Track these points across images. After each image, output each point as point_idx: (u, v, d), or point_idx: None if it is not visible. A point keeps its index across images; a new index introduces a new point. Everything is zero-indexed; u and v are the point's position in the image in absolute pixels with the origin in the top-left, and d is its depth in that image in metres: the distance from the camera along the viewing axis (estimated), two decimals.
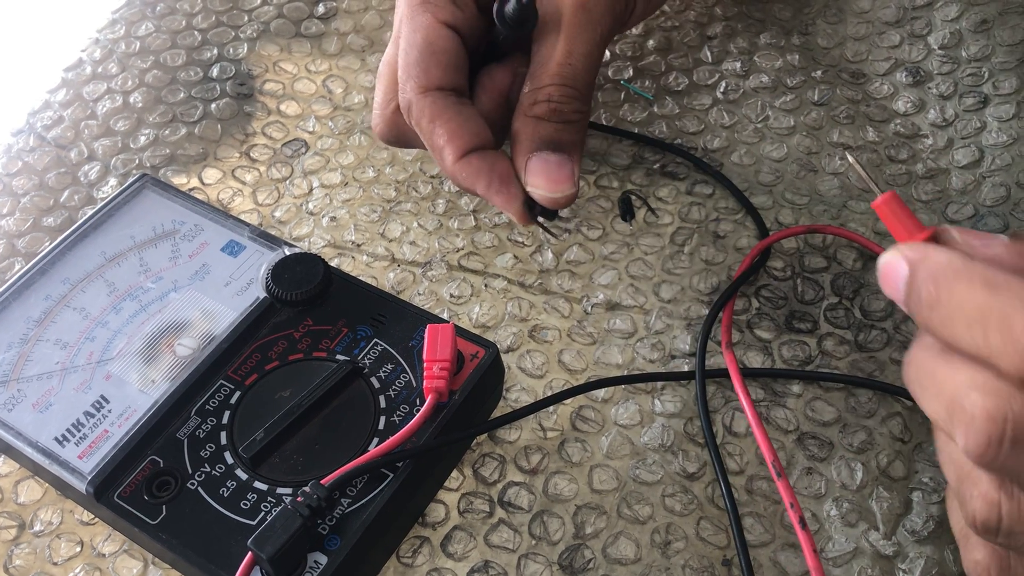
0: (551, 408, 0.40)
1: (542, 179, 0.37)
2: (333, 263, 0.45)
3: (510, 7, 0.37)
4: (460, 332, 0.39)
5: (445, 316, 0.43)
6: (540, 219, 0.38)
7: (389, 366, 0.38)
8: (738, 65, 0.51)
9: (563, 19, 0.39)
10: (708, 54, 0.52)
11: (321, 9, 0.57)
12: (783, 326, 0.42)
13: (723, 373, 0.40)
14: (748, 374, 0.40)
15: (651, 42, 0.53)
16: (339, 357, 0.38)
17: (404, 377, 0.38)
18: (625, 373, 0.41)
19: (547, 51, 0.39)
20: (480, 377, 0.37)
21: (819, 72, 0.51)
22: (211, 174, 0.49)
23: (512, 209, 0.38)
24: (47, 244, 0.45)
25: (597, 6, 0.39)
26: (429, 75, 0.39)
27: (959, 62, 0.49)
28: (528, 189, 0.38)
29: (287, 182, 0.49)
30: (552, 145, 0.38)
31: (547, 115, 0.38)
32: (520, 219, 0.38)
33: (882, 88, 0.50)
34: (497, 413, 0.40)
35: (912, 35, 0.51)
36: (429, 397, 0.36)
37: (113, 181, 0.49)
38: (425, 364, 0.36)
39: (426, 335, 0.37)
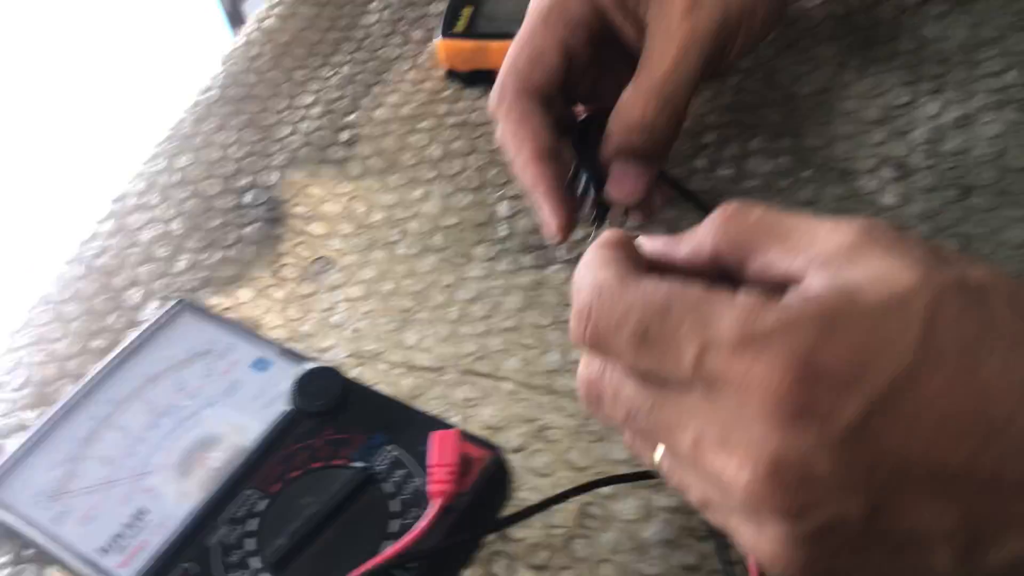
0: (558, 507, 0.42)
1: (617, 187, 0.46)
2: (355, 372, 0.49)
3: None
4: (466, 436, 0.41)
5: (457, 419, 0.46)
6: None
7: (401, 472, 0.41)
8: (732, 172, 0.54)
9: (672, 28, 0.45)
10: (702, 163, 0.55)
11: (345, 136, 0.61)
12: None
13: None
14: None
15: None
16: (356, 464, 0.41)
17: (415, 481, 0.41)
18: (629, 470, 0.43)
19: (655, 59, 0.45)
20: (486, 479, 0.40)
21: (808, 172, 0.54)
22: (244, 293, 0.53)
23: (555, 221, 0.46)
24: (94, 366, 0.50)
25: (702, 25, 0.45)
26: (532, 79, 0.46)
27: (942, 156, 0.52)
28: (607, 190, 0.46)
29: (313, 297, 0.53)
30: (636, 152, 0.45)
31: (638, 125, 0.45)
32: (558, 231, 0.47)
33: (869, 184, 0.52)
34: (507, 512, 0.42)
35: (896, 132, 0.54)
36: (435, 500, 0.38)
37: (155, 304, 0.53)
38: (430, 469, 0.39)
39: (431, 440, 0.40)
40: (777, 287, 0.29)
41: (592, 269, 0.31)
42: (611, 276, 0.31)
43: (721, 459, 0.28)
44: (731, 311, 0.27)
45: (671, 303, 0.29)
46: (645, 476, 0.42)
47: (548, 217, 0.46)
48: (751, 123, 0.57)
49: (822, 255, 0.29)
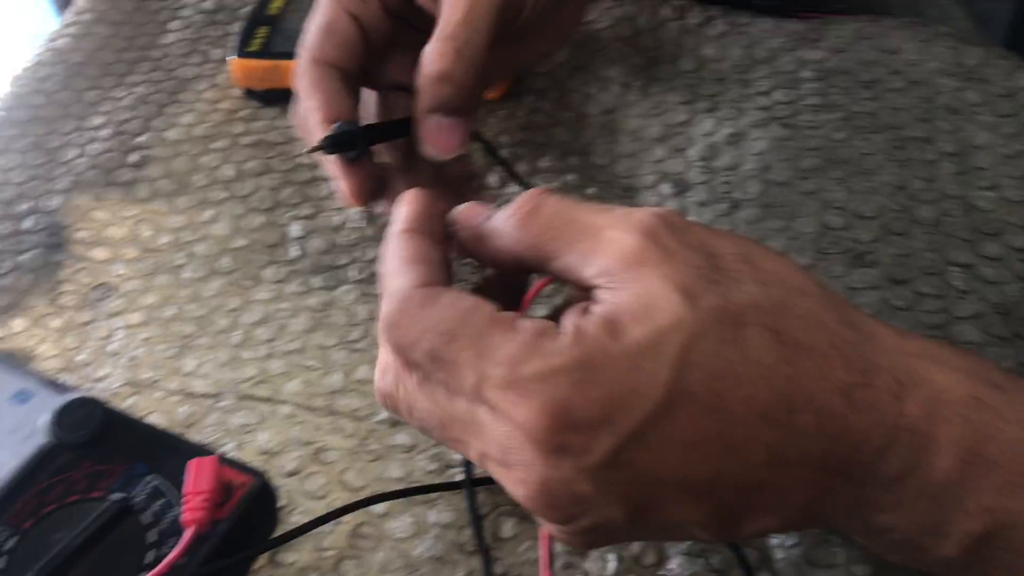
0: (329, 528, 0.42)
1: (432, 142, 0.45)
2: (129, 401, 0.47)
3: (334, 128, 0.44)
4: (228, 462, 0.41)
5: (232, 446, 0.45)
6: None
7: (160, 501, 0.40)
8: (520, 190, 0.55)
9: None
10: (494, 179, 0.56)
11: (134, 158, 0.60)
12: None
13: (491, 480, 0.43)
14: None
15: None
16: (114, 496, 0.40)
17: (172, 512, 0.39)
18: (404, 487, 0.43)
19: (448, 11, 0.45)
20: (247, 505, 0.39)
21: (594, 189, 0.55)
22: (18, 323, 0.51)
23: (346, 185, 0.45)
24: None
25: None
26: (323, 50, 0.46)
27: (715, 172, 0.54)
28: (422, 148, 0.45)
29: (92, 325, 0.51)
30: (445, 105, 0.44)
31: (441, 77, 0.44)
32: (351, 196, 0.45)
33: (650, 199, 0.54)
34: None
35: (674, 149, 0.56)
36: (188, 529, 0.38)
37: None
38: (186, 497, 0.38)
39: (188, 468, 0.39)
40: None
41: (396, 269, 0.34)
42: (411, 287, 0.33)
43: (502, 474, 0.32)
44: (505, 349, 0.30)
45: (458, 331, 0.31)
46: (412, 492, 0.42)
47: (341, 183, 0.46)
48: (542, 142, 0.58)
49: (606, 270, 0.31)
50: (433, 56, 0.45)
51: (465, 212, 0.37)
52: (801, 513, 0.32)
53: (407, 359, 0.32)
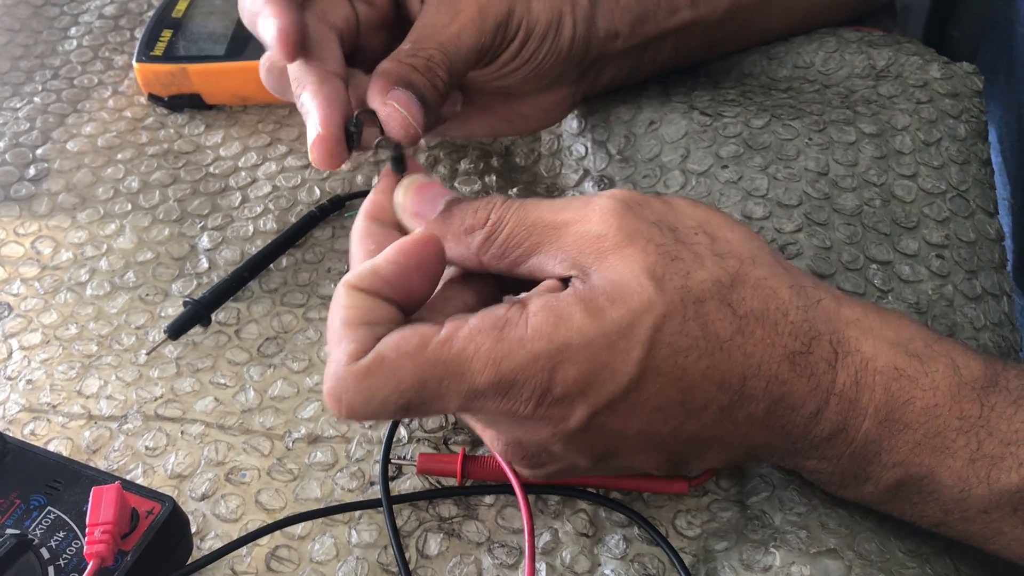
0: (245, 552, 0.40)
1: (395, 108, 0.39)
2: (28, 428, 0.44)
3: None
4: (135, 488, 0.38)
5: (139, 471, 0.42)
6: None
7: (61, 534, 0.37)
8: None
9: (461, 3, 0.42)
10: None
11: (32, 171, 0.56)
12: (475, 441, 0.43)
13: (414, 496, 0.41)
14: (441, 494, 0.41)
15: (360, 177, 0.55)
16: (8, 531, 0.37)
17: (76, 544, 0.37)
18: (322, 506, 0.41)
19: (439, 20, 0.42)
20: (155, 533, 0.37)
21: (516, 189, 0.54)
22: None
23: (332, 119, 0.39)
24: None
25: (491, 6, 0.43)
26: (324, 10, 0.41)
27: (636, 163, 0.53)
28: (388, 104, 0.39)
29: None
30: (416, 93, 0.40)
31: (423, 69, 0.41)
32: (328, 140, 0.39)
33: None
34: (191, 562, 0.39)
35: (595, 142, 0.54)
36: (91, 563, 0.35)
37: None
38: (89, 528, 0.36)
39: (92, 498, 0.36)
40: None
41: (334, 336, 0.32)
42: (349, 359, 0.32)
43: (477, 428, 0.37)
44: (480, 356, 0.31)
45: (426, 379, 0.31)
46: (331, 511, 0.40)
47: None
48: (461, 143, 0.57)
49: (577, 263, 0.33)
50: (417, 51, 0.41)
51: (415, 202, 0.37)
52: (742, 456, 0.36)
53: (370, 416, 0.33)
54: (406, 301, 0.33)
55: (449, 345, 0.31)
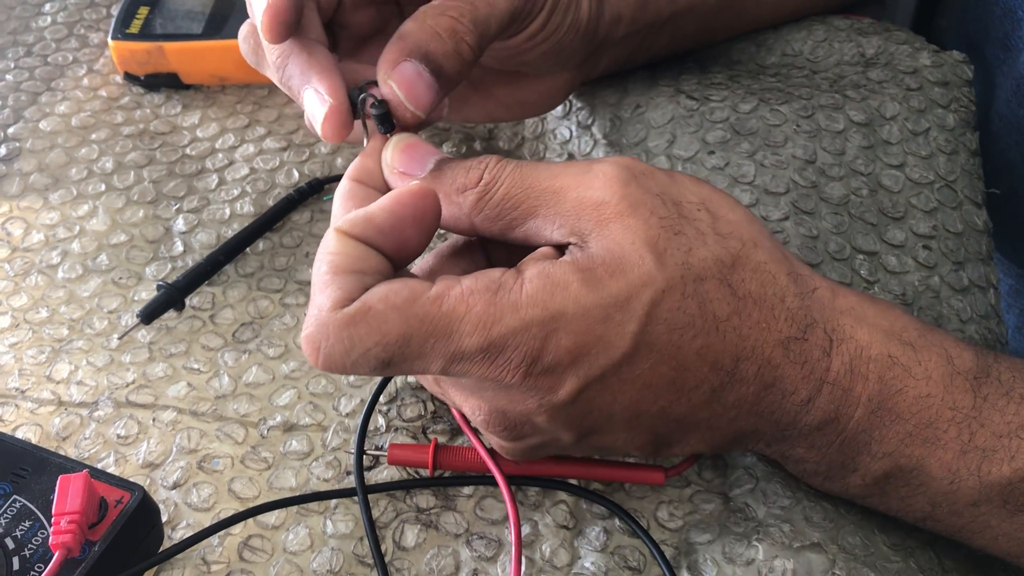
0: (217, 541, 0.39)
1: (405, 86, 0.35)
2: None
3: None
4: (104, 477, 0.37)
5: (110, 459, 0.41)
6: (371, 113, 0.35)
7: (27, 523, 0.36)
8: None
9: None
10: None
11: (3, 151, 0.55)
12: (454, 431, 0.42)
13: (391, 486, 0.40)
14: (417, 484, 0.40)
15: (340, 160, 0.54)
16: None
17: (42, 534, 0.36)
18: (297, 495, 0.40)
19: None
20: (124, 523, 0.36)
21: None
22: None
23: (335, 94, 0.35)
24: None
25: None
26: None
27: (622, 148, 0.52)
28: (387, 84, 0.35)
29: None
30: (433, 65, 0.35)
31: (448, 33, 0.36)
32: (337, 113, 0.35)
33: None
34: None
35: (580, 126, 0.53)
36: (56, 553, 0.34)
37: None
38: (55, 518, 0.35)
39: (58, 487, 0.35)
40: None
41: (319, 282, 0.31)
42: (333, 306, 0.30)
43: (458, 397, 0.35)
44: (469, 317, 0.30)
45: (411, 335, 0.30)
46: (304, 500, 0.40)
47: (327, 90, 0.36)
48: (443, 127, 0.56)
49: (576, 230, 0.32)
50: (445, 8, 0.37)
51: (403, 160, 0.35)
52: (727, 441, 0.35)
53: (348, 370, 0.31)
54: (398, 254, 0.32)
55: (439, 303, 0.30)
